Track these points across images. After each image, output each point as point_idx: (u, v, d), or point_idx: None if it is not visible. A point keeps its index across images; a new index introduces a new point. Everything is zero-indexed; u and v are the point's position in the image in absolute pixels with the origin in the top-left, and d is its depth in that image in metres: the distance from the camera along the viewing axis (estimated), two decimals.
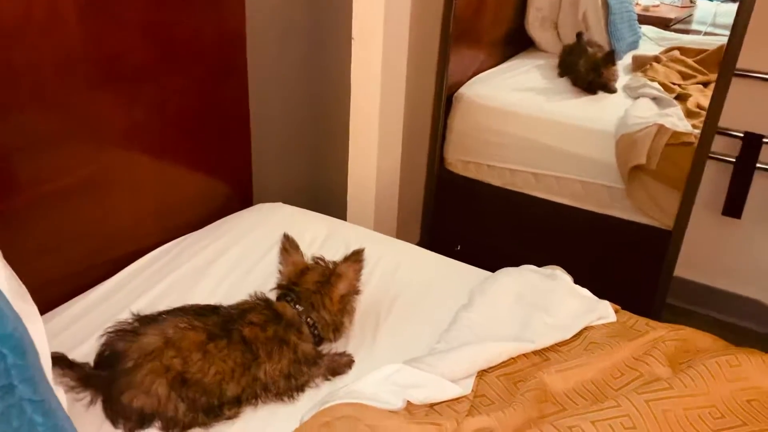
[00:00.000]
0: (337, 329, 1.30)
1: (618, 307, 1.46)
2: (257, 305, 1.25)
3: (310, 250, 1.52)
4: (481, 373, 1.26)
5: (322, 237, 1.70)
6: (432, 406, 1.18)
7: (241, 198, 1.90)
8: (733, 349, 1.30)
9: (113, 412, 1.12)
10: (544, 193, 2.47)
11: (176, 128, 1.66)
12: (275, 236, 1.69)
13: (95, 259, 1.52)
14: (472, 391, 1.21)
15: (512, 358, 1.29)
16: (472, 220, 2.63)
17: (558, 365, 1.26)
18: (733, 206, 2.30)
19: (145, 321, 1.18)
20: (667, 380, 1.19)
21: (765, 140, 2.17)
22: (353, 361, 1.30)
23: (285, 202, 1.90)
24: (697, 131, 2.14)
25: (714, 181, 2.23)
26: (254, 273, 1.57)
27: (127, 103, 1.51)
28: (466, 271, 1.63)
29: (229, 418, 1.15)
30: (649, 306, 2.21)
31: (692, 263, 2.37)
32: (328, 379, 1.26)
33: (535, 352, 1.32)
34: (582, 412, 1.14)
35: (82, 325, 1.37)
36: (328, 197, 2.26)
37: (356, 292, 1.33)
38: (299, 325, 1.25)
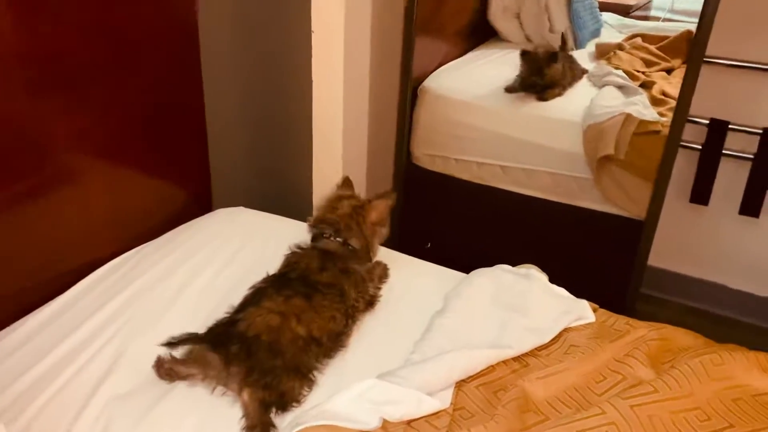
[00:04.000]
0: (370, 248, 1.46)
1: (596, 306, 1.42)
2: (309, 255, 1.39)
3: (276, 256, 1.44)
4: (460, 384, 1.20)
5: (287, 241, 1.60)
6: (410, 423, 1.12)
7: (200, 203, 1.81)
8: (715, 346, 1.27)
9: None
10: (512, 186, 2.43)
11: (126, 132, 1.56)
12: (237, 243, 1.62)
13: (46, 274, 1.43)
14: (451, 404, 1.15)
15: (491, 366, 1.24)
16: (441, 215, 2.58)
17: (538, 371, 1.21)
18: (701, 193, 2.30)
19: (242, 309, 1.26)
20: (651, 383, 1.16)
21: (730, 126, 2.17)
22: (387, 267, 1.52)
23: (247, 205, 1.81)
24: (664, 119, 2.12)
25: (680, 168, 2.22)
26: (217, 282, 1.49)
27: (71, 107, 1.41)
28: (440, 273, 1.57)
29: (345, 345, 1.30)
30: (623, 297, 2.19)
31: (661, 251, 2.36)
32: (380, 287, 1.46)
33: (515, 359, 1.27)
34: (566, 422, 1.09)
35: (35, 345, 1.29)
36: (292, 199, 2.18)
37: (384, 224, 1.49)
38: (345, 252, 1.41)
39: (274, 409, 1.15)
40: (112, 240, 1.57)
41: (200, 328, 1.28)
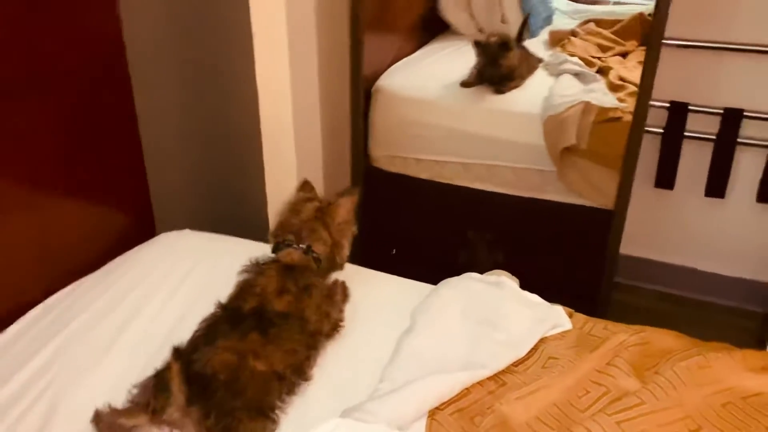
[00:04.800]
0: (339, 251, 1.38)
1: (571, 310, 1.34)
2: (266, 270, 1.28)
3: (226, 282, 1.32)
4: (433, 412, 1.11)
5: (240, 265, 1.49)
6: None
7: (141, 228, 1.68)
8: (699, 347, 1.21)
9: None
10: (475, 183, 2.37)
11: (51, 156, 1.43)
12: (183, 270, 1.50)
13: None
14: None
15: (465, 389, 1.15)
16: (404, 217, 2.50)
17: (517, 391, 1.12)
18: (665, 178, 2.27)
19: (194, 348, 1.16)
20: (638, 394, 1.08)
21: (690, 108, 2.13)
22: (347, 287, 1.42)
23: (194, 227, 1.69)
24: (624, 105, 2.09)
25: (643, 153, 2.16)
26: (162, 317, 1.37)
27: None
28: (405, 287, 1.48)
29: (308, 378, 1.20)
30: (597, 288, 2.14)
31: (630, 239, 2.32)
32: (342, 310, 1.35)
33: (490, 378, 1.18)
34: None
35: None
36: (245, 216, 2.05)
37: (351, 222, 1.41)
38: (307, 262, 1.31)
39: None
40: (43, 278, 1.43)
41: (143, 371, 1.16)
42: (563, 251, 2.27)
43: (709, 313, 2.32)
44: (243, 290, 1.26)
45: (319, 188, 2.11)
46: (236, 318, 1.19)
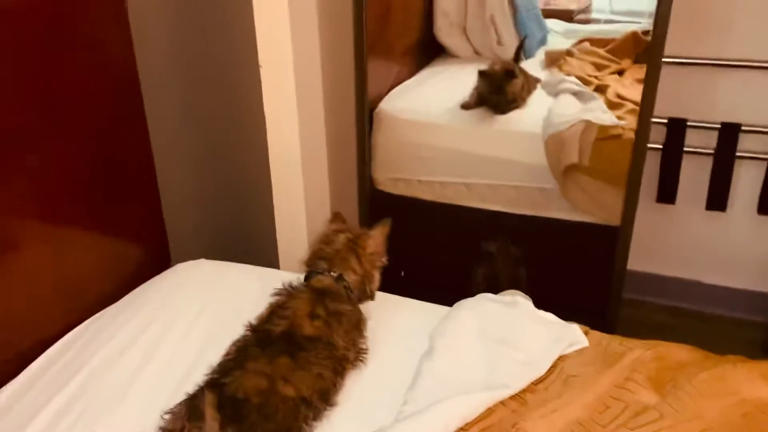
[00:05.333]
0: (369, 281, 1.40)
1: (587, 328, 1.36)
2: (298, 294, 1.30)
3: (244, 308, 1.34)
4: None
5: (256, 293, 1.50)
6: None
7: (156, 260, 1.69)
8: (714, 359, 1.23)
9: None
10: (479, 203, 2.38)
11: (69, 193, 1.44)
12: (201, 299, 1.52)
13: None
14: None
15: (488, 408, 1.16)
16: (410, 239, 2.50)
17: (539, 409, 1.14)
18: (667, 193, 2.30)
19: (225, 372, 1.17)
20: (657, 408, 1.10)
21: (689, 124, 2.17)
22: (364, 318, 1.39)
23: (208, 257, 1.70)
24: (624, 122, 2.12)
25: (644, 169, 2.21)
26: (184, 347, 1.37)
27: (2, 173, 1.28)
28: (421, 309, 1.49)
29: (334, 404, 1.22)
30: (605, 304, 2.15)
31: (633, 253, 2.34)
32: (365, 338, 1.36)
33: (512, 397, 1.19)
34: None
35: None
36: (256, 243, 2.07)
37: (382, 254, 1.44)
38: (339, 290, 1.33)
39: None
40: (62, 313, 1.44)
41: (169, 402, 1.17)
42: (570, 269, 2.28)
43: (714, 325, 2.34)
44: (274, 312, 1.28)
45: (326, 214, 2.13)
46: (266, 341, 1.21)
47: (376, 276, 1.43)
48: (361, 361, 1.32)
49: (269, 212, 1.98)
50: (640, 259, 2.39)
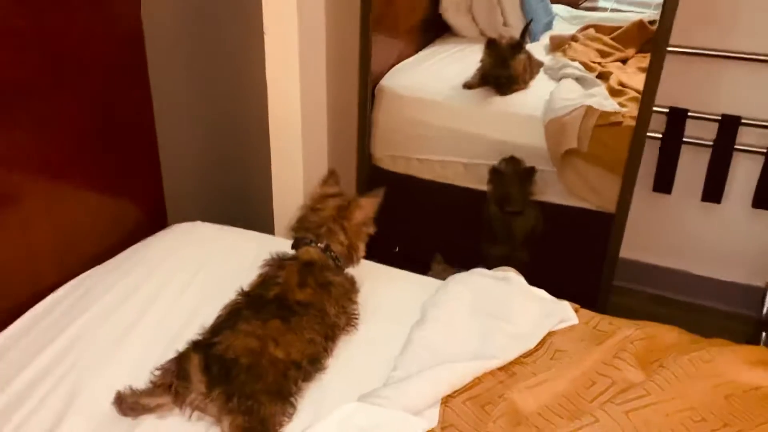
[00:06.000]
0: (355, 250, 1.39)
1: (578, 306, 1.38)
2: (286, 266, 1.30)
3: (238, 271, 1.35)
4: (446, 399, 1.14)
5: (251, 257, 1.50)
6: None
7: (154, 220, 1.69)
8: (701, 342, 1.25)
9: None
10: (476, 184, 2.38)
11: (69, 147, 1.44)
12: (197, 260, 1.53)
13: None
14: (439, 422, 1.09)
15: (477, 378, 1.18)
16: (406, 217, 2.52)
17: (526, 381, 1.16)
18: (664, 182, 2.31)
19: (216, 333, 1.18)
20: (643, 386, 1.12)
21: (689, 114, 2.17)
22: (354, 281, 1.40)
23: (204, 219, 1.71)
24: (625, 110, 2.12)
25: (642, 158, 2.22)
26: (178, 305, 1.38)
27: (4, 125, 1.28)
28: (414, 281, 1.51)
29: (324, 368, 1.23)
30: (595, 290, 2.17)
31: (626, 241, 2.36)
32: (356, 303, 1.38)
33: (501, 368, 1.21)
34: None
35: None
36: (252, 209, 2.08)
37: (371, 224, 1.42)
38: (326, 261, 1.34)
39: None
40: (58, 266, 1.44)
41: (161, 358, 1.18)
42: (562, 253, 2.30)
43: (703, 316, 2.36)
44: (265, 281, 1.29)
45: None
46: (259, 304, 1.22)
47: (361, 247, 1.42)
48: (352, 326, 1.33)
49: (267, 180, 1.98)
50: (632, 247, 2.40)
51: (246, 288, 1.29)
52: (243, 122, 2.06)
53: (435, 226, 2.49)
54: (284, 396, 1.13)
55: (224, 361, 1.10)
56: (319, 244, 1.35)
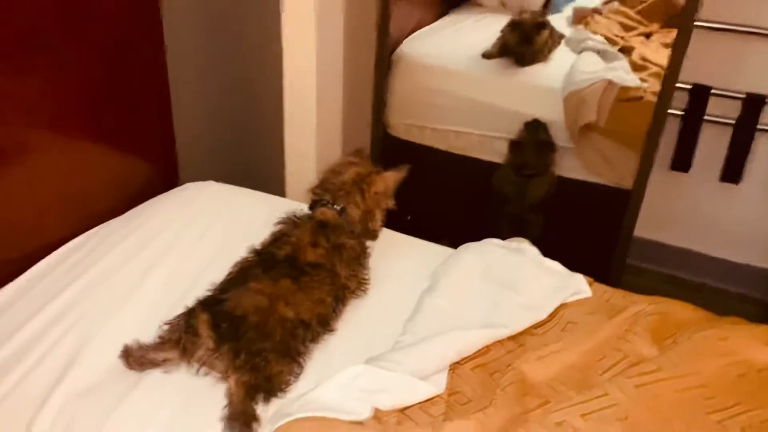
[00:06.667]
0: (371, 219, 1.38)
1: (591, 279, 1.36)
2: (301, 224, 1.31)
3: (248, 232, 1.34)
4: (454, 366, 1.13)
5: (262, 218, 1.50)
6: (403, 410, 1.04)
7: (165, 178, 1.68)
8: (717, 320, 1.23)
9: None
10: (491, 156, 2.35)
11: (80, 101, 1.42)
12: (207, 219, 1.52)
13: None
14: (446, 388, 1.08)
15: (485, 347, 1.17)
16: (419, 187, 2.49)
17: (536, 351, 1.14)
18: (682, 160, 2.27)
19: (225, 290, 1.18)
20: (655, 361, 1.10)
21: (713, 91, 2.12)
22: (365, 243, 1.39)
23: (216, 179, 1.69)
24: (646, 84, 2.07)
25: (662, 135, 2.18)
26: (187, 262, 1.38)
27: (15, 76, 1.26)
28: (425, 249, 1.49)
29: (333, 330, 1.23)
30: (607, 268, 2.14)
31: (641, 220, 2.33)
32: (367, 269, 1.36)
33: (510, 338, 1.20)
34: (569, 405, 1.03)
35: None
36: (264, 171, 2.06)
37: (390, 197, 1.41)
38: (341, 223, 1.32)
39: (259, 397, 1.08)
40: (68, 221, 1.44)
41: (169, 314, 1.18)
42: (575, 230, 2.27)
43: (715, 298, 2.33)
44: (277, 239, 1.28)
45: (337, 153, 2.11)
46: (269, 263, 1.21)
47: (378, 215, 1.41)
48: (362, 291, 1.33)
49: (280, 143, 1.96)
50: (646, 226, 2.37)
51: (258, 246, 1.28)
52: (257, 85, 2.04)
53: (448, 196, 2.47)
54: (291, 355, 1.12)
55: (233, 318, 1.10)
56: (335, 206, 1.34)
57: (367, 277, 1.35)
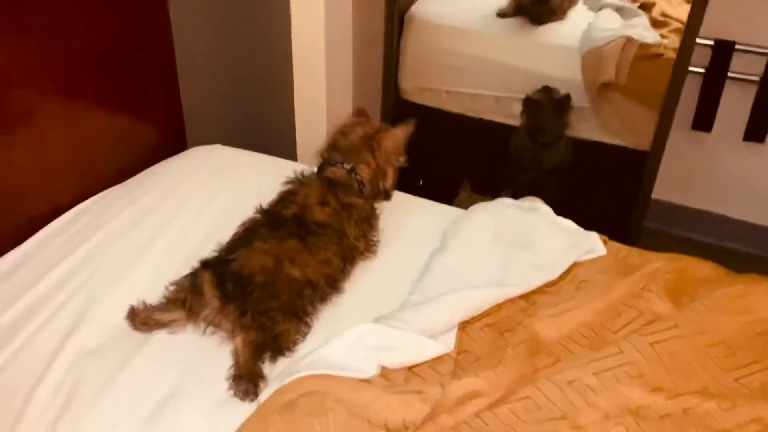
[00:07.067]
0: (383, 178, 1.37)
1: (606, 238, 1.32)
2: (309, 183, 1.30)
3: (257, 196, 1.32)
4: (463, 325, 1.11)
5: (270, 181, 1.47)
6: (411, 369, 1.03)
7: (172, 141, 1.67)
8: (736, 277, 1.19)
9: None
10: (506, 118, 2.31)
11: (85, 62, 1.40)
12: (214, 183, 1.50)
13: None
14: (455, 346, 1.06)
15: (496, 305, 1.14)
16: (433, 151, 2.46)
17: (548, 310, 1.12)
18: (704, 119, 2.20)
19: (232, 250, 1.17)
20: (672, 318, 1.07)
21: (737, 47, 2.04)
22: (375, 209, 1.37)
23: (224, 143, 1.67)
24: (666, 41, 2.01)
25: (682, 93, 2.11)
26: (194, 227, 1.37)
27: (16, 34, 1.24)
28: (436, 210, 1.46)
29: (341, 290, 1.21)
30: (624, 231, 2.10)
31: (660, 182, 2.27)
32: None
33: (521, 297, 1.17)
34: (581, 363, 1.01)
35: None
36: (273, 135, 2.04)
37: (400, 154, 1.39)
38: (351, 182, 1.31)
39: (266, 356, 1.07)
40: (75, 185, 1.43)
41: (175, 275, 1.18)
42: (592, 192, 2.23)
43: (736, 261, 2.27)
44: (285, 198, 1.27)
45: (348, 116, 2.08)
46: (276, 223, 1.20)
47: (390, 173, 1.40)
48: (371, 253, 1.31)
49: (290, 107, 1.93)
50: (665, 188, 2.32)
51: (265, 206, 1.27)
52: (266, 47, 2.00)
53: (462, 161, 2.43)
54: (298, 315, 1.11)
55: (239, 278, 1.09)
56: (345, 165, 1.32)
57: (376, 239, 1.33)
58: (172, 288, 1.14)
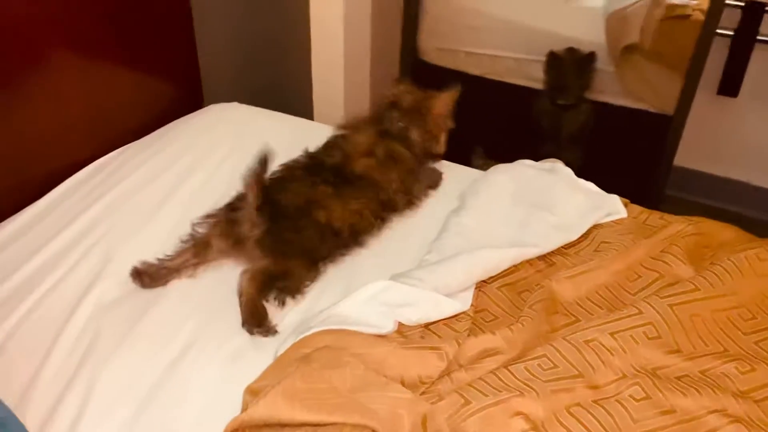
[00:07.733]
0: (436, 142, 1.42)
1: (627, 201, 1.30)
2: (363, 129, 1.34)
3: (277, 151, 1.31)
4: (480, 285, 1.10)
5: (286, 140, 1.46)
6: (427, 326, 1.02)
7: (189, 99, 1.66)
8: (759, 241, 1.16)
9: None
10: (527, 81, 2.27)
11: (101, 19, 1.39)
12: (231, 141, 1.50)
13: (18, 179, 1.30)
14: (472, 305, 1.05)
15: (514, 266, 1.13)
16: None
17: (566, 270, 1.11)
18: (730, 84, 2.14)
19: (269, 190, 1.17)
20: (692, 280, 1.06)
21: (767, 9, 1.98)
22: (442, 176, 1.42)
23: (241, 101, 1.66)
24: (695, 2, 1.95)
25: (708, 56, 2.06)
26: (210, 184, 1.37)
27: None
28: (454, 171, 1.45)
29: (363, 245, 1.23)
30: (646, 198, 2.06)
31: (683, 148, 2.23)
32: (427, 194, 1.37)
33: (540, 258, 1.16)
34: (599, 323, 1.00)
35: (10, 254, 1.18)
36: (290, 94, 2.02)
37: (449, 118, 1.44)
38: (404, 137, 1.35)
39: (272, 295, 1.10)
40: (93, 139, 1.43)
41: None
42: (613, 157, 2.20)
43: (758, 230, 2.24)
44: (332, 145, 1.31)
45: (365, 78, 2.06)
46: (315, 169, 1.24)
47: (441, 138, 1.43)
48: (409, 209, 1.32)
49: (307, 65, 1.91)
50: (688, 154, 2.27)
51: (311, 150, 1.30)
52: (284, 5, 1.97)
53: (482, 125, 2.39)
54: (314, 258, 1.14)
55: (275, 204, 1.13)
56: (400, 123, 1.36)
57: (418, 194, 1.35)
58: (206, 221, 1.19)
